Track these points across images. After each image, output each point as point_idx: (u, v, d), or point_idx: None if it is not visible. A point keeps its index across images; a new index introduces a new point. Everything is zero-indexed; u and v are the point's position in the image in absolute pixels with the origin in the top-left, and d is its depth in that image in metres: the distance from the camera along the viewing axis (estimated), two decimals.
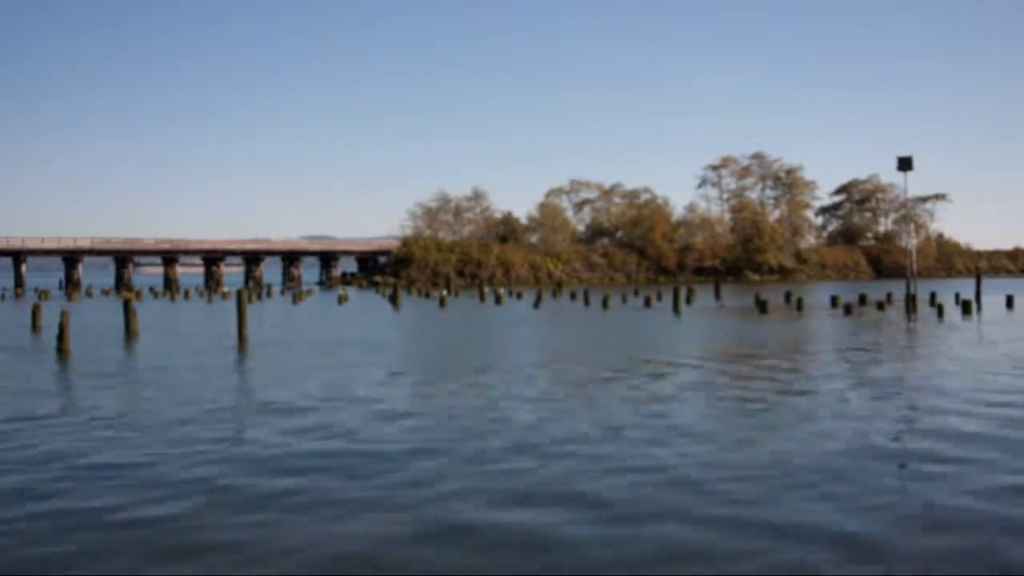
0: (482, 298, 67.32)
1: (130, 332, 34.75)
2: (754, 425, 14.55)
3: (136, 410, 16.69)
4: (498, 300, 61.95)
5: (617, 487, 10.49)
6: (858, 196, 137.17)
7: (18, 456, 12.71)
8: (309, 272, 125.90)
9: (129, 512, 9.73)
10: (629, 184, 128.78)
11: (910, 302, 46.63)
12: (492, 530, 8.98)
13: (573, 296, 66.53)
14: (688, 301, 55.47)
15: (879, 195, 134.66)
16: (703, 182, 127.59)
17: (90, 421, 15.48)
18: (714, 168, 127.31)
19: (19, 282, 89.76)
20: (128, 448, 13.15)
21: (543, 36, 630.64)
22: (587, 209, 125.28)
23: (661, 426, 14.34)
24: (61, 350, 27.93)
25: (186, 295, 79.44)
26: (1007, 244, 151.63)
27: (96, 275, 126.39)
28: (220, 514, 9.60)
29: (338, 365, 23.80)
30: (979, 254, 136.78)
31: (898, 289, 61.37)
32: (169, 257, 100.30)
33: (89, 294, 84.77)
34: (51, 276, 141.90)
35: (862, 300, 53.72)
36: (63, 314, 28.92)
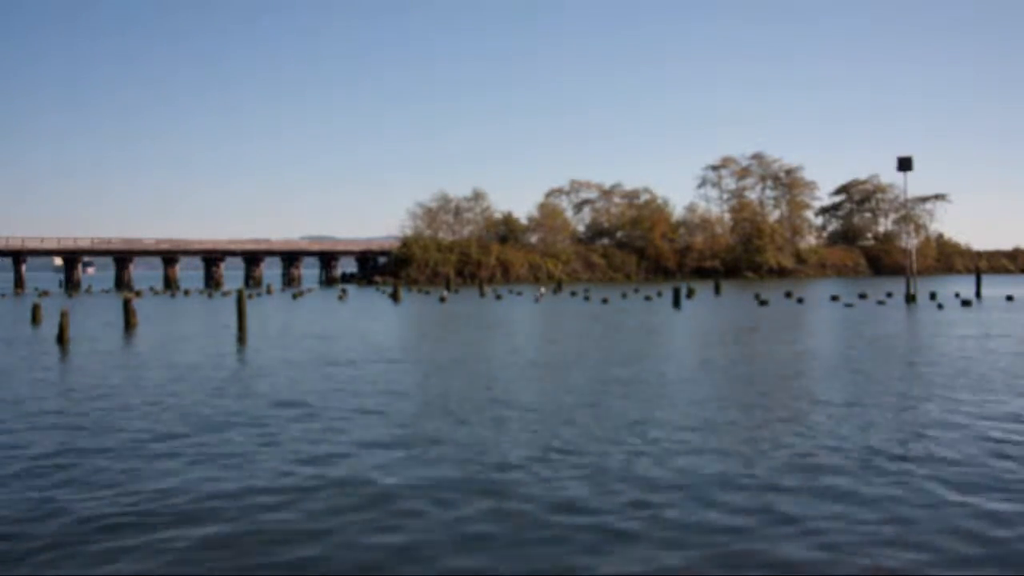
0: (482, 294, 67.86)
1: (129, 326, 35.46)
2: None
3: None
4: (498, 297, 62.67)
5: None
6: (858, 196, 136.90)
7: None
8: (309, 272, 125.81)
9: None
10: (629, 184, 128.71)
11: (910, 299, 46.89)
12: None
13: (573, 293, 66.59)
14: (688, 296, 55.98)
15: (879, 195, 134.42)
16: (703, 182, 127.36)
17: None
18: (714, 168, 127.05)
19: (19, 282, 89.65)
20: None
21: (544, 37, 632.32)
22: (587, 209, 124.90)
23: None
24: (62, 341, 28.67)
25: (186, 293, 79.39)
26: (1007, 244, 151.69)
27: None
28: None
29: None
30: (979, 254, 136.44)
31: (898, 287, 61.36)
32: (169, 257, 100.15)
33: (89, 292, 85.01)
34: (51, 275, 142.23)
35: (862, 297, 53.71)
36: (63, 315, 29.80)
